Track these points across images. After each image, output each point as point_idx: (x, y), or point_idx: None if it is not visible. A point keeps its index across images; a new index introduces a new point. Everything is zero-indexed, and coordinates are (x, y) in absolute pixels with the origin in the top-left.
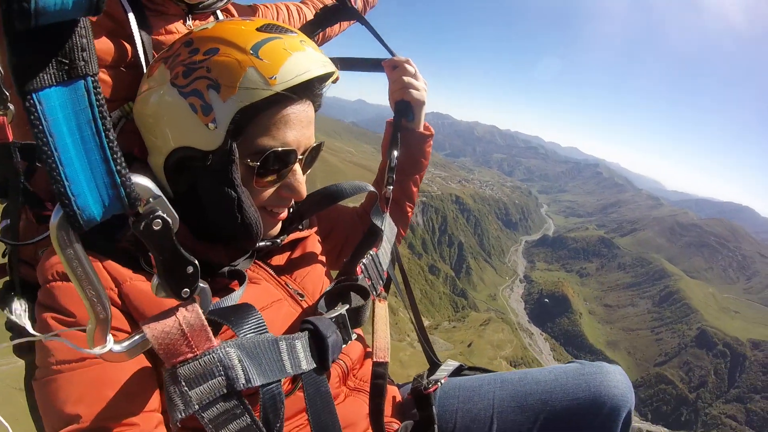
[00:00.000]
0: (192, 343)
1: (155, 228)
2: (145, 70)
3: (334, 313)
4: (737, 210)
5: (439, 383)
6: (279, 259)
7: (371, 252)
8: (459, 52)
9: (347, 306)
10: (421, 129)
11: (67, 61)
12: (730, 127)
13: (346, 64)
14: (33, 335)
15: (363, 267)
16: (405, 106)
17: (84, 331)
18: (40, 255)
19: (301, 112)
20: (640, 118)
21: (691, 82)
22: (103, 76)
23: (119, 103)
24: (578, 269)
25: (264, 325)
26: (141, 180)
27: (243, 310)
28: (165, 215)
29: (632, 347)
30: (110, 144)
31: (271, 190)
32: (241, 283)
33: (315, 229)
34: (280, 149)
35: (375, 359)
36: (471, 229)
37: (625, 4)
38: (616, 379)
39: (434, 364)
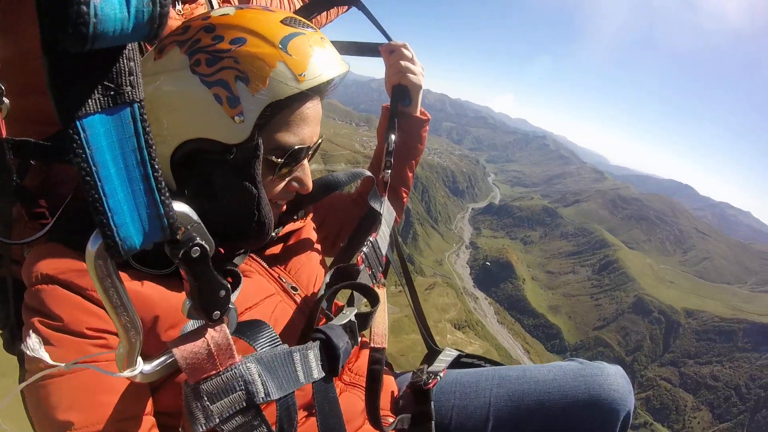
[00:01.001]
0: (217, 361)
1: (194, 255)
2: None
3: (343, 320)
4: (678, 188)
5: (438, 377)
6: (272, 251)
7: (370, 239)
8: (410, 15)
9: (355, 310)
10: (418, 114)
11: (113, 86)
12: (675, 106)
13: (343, 48)
14: (55, 365)
15: (364, 256)
16: (402, 91)
17: (75, 335)
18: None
19: (315, 108)
20: (589, 92)
21: (640, 59)
22: None
23: None
24: (522, 237)
25: (277, 338)
26: (181, 207)
27: (256, 325)
28: (203, 242)
29: (572, 312)
30: (155, 174)
31: (282, 185)
32: (236, 284)
33: (311, 216)
34: (302, 146)
35: (373, 345)
36: (419, 195)
37: None
38: (617, 382)
39: (433, 351)
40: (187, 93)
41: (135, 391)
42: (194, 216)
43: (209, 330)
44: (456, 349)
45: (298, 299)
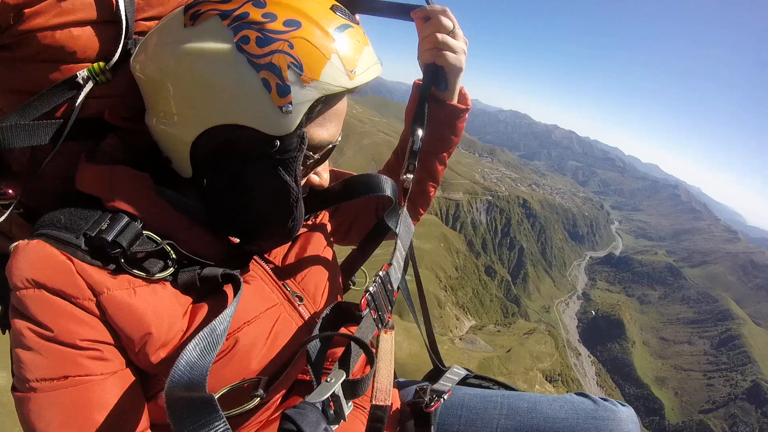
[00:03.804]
0: None
1: None
2: (124, 25)
3: (324, 394)
4: None
5: (441, 399)
6: (278, 253)
7: (380, 273)
8: (544, 50)
9: (343, 377)
10: (455, 101)
11: None
12: None
13: (366, 6)
14: None
15: (369, 297)
16: (436, 71)
17: (67, 346)
18: (10, 250)
19: (345, 105)
20: (732, 143)
21: None
22: (80, 32)
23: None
24: (640, 295)
25: None
26: None
27: (203, 417)
28: None
29: (680, 388)
30: None
31: (303, 180)
32: (236, 290)
33: (323, 215)
34: (333, 143)
35: (374, 402)
36: (535, 235)
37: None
38: (628, 429)
39: (439, 370)
40: (228, 73)
41: (130, 406)
42: None
43: None
44: (464, 369)
45: (303, 310)
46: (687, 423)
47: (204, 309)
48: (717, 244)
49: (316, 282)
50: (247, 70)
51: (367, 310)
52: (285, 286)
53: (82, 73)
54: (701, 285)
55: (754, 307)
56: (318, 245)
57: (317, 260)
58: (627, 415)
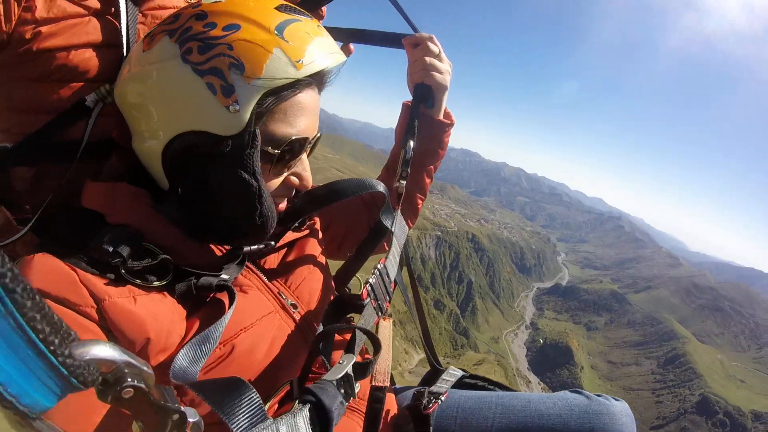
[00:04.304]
0: None
1: (126, 396)
2: (125, 48)
3: (339, 373)
4: (758, 276)
5: (439, 401)
6: (272, 261)
7: (378, 266)
8: (492, 89)
9: (353, 359)
10: (441, 117)
11: None
12: (764, 192)
13: (360, 36)
14: None
15: (370, 288)
16: (425, 91)
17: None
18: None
19: (313, 98)
20: (673, 175)
21: (731, 143)
22: (90, 54)
23: (99, 85)
24: (587, 322)
25: (260, 408)
26: (99, 351)
27: (235, 390)
28: (135, 381)
29: (630, 408)
30: (40, 335)
31: (279, 180)
32: (231, 300)
33: (315, 222)
34: (299, 137)
35: (374, 383)
36: (483, 269)
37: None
38: (621, 422)
39: (436, 370)
40: (178, 83)
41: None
42: (118, 355)
43: None
44: (460, 369)
45: (298, 317)
46: None
47: (201, 317)
48: (660, 270)
49: (310, 289)
50: (193, 78)
51: (368, 299)
52: (280, 294)
53: (91, 97)
54: (646, 309)
55: (698, 326)
56: (312, 253)
57: (311, 268)
58: (621, 408)
